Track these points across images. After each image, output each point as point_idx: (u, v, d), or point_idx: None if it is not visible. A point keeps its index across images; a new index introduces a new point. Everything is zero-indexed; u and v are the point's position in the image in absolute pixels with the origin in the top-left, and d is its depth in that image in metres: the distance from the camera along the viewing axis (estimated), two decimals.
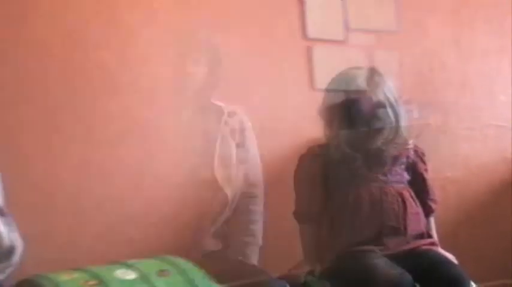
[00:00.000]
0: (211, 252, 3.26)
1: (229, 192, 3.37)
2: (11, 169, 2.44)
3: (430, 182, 3.14)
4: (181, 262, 2.46)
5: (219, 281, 2.30)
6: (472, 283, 2.58)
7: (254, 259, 3.38)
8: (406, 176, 3.07)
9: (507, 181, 3.48)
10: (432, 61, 3.64)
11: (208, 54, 3.47)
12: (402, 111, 3.01)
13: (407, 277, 2.56)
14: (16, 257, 2.35)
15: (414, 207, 2.98)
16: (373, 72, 3.08)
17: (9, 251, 2.34)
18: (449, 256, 2.85)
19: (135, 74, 3.26)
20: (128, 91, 3.21)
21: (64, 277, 2.25)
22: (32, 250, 2.44)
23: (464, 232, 3.36)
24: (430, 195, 3.15)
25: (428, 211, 3.10)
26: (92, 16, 3.20)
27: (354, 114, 2.90)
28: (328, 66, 4.01)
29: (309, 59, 3.94)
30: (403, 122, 2.98)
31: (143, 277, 2.28)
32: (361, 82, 2.99)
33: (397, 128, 2.95)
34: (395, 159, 3.00)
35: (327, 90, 3.13)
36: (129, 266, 2.33)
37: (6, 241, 2.30)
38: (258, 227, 3.43)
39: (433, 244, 2.94)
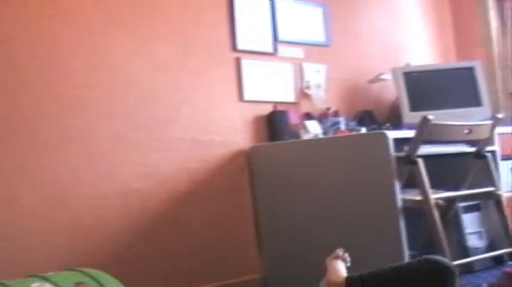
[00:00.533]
0: None
1: None
2: None
3: None
4: (99, 274, 2.42)
5: None
6: None
7: None
8: None
9: (189, 191, 3.59)
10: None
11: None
12: None
13: None
14: None
15: None
16: None
17: None
18: None
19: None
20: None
21: None
22: None
23: (147, 243, 3.44)
24: None
25: None
26: None
27: None
28: (257, 78, 4.04)
29: (238, 71, 3.95)
30: None
31: None
32: None
33: None
34: None
35: None
36: (45, 279, 2.28)
37: None
38: None
39: None
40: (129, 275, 2.61)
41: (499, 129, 3.82)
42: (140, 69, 3.53)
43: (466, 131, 3.39)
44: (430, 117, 3.21)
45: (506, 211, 3.54)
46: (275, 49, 4.16)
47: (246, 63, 4.00)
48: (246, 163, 3.88)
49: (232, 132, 3.90)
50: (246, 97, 3.99)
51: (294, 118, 4.08)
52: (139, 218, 3.46)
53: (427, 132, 3.23)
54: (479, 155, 3.60)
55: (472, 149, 3.62)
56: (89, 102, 3.33)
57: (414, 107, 4.11)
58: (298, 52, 4.30)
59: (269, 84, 4.10)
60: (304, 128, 3.96)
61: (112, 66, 3.43)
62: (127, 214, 3.42)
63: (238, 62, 3.97)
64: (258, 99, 4.04)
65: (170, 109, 3.63)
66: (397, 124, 4.10)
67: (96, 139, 3.34)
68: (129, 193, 3.42)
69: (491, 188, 3.54)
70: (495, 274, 3.38)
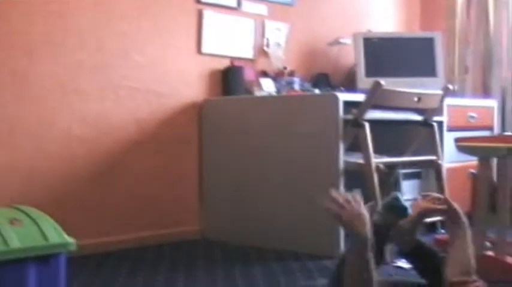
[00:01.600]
0: None
1: None
2: None
3: None
4: (36, 213, 2.41)
5: None
6: None
7: None
8: None
9: (136, 140, 3.60)
10: None
11: None
12: None
13: None
14: None
15: None
16: None
17: None
18: None
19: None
20: None
21: None
22: None
23: (89, 190, 3.45)
24: None
25: None
26: None
27: None
28: (217, 32, 4.02)
29: (199, 23, 3.92)
30: None
31: None
32: None
33: None
34: None
35: None
36: None
37: None
38: None
39: None
40: (70, 221, 2.61)
41: (448, 101, 3.87)
42: (85, 13, 3.46)
43: (416, 99, 3.43)
44: (382, 82, 3.24)
45: (445, 181, 3.60)
46: (239, 4, 4.14)
47: (208, 15, 3.97)
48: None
49: (186, 84, 3.88)
50: (204, 50, 3.97)
51: (249, 75, 4.07)
52: (83, 165, 3.45)
53: (377, 97, 3.26)
54: (426, 124, 3.64)
55: (420, 118, 3.66)
56: (28, 46, 3.26)
57: (370, 73, 4.13)
58: (261, 9, 4.28)
59: (228, 39, 4.08)
60: (259, 85, 3.96)
61: (50, 8, 3.34)
62: (70, 160, 3.40)
63: (200, 13, 3.94)
64: (216, 53, 4.02)
65: (117, 56, 3.59)
66: (352, 89, 4.12)
67: (34, 84, 3.28)
68: (71, 139, 3.40)
69: (433, 157, 3.60)
70: (425, 240, 3.43)
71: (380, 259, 1.98)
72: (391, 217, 2.01)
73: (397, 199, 2.07)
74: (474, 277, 1.88)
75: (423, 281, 2.13)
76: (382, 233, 1.98)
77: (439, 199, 2.12)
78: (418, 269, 2.17)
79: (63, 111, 3.38)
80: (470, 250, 1.95)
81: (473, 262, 1.93)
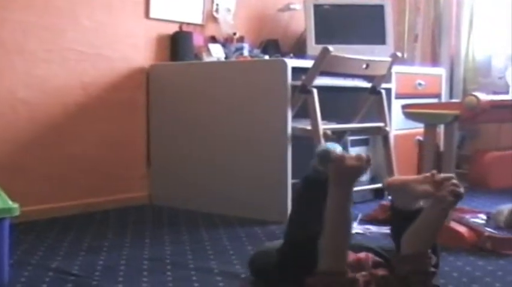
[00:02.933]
0: None
1: None
2: None
3: None
4: None
5: None
6: None
7: None
8: None
9: (83, 105, 3.60)
10: None
11: None
12: None
13: None
14: None
15: None
16: None
17: None
18: None
19: None
20: None
21: None
22: None
23: (34, 154, 3.44)
24: None
25: None
26: None
27: None
28: None
29: None
30: None
31: None
32: None
33: None
34: None
35: None
36: None
37: None
38: None
39: None
40: (14, 186, 2.56)
41: (397, 68, 3.89)
42: None
43: (364, 66, 3.43)
44: (330, 48, 3.23)
45: (392, 148, 3.64)
46: None
47: None
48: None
49: (134, 49, 3.81)
50: (152, 14, 3.89)
51: (198, 40, 4.02)
52: (27, 129, 3.37)
53: (325, 63, 3.26)
54: (374, 91, 3.66)
55: (368, 85, 3.68)
56: None
57: (320, 40, 4.11)
58: None
59: (177, 4, 4.01)
60: (207, 51, 3.92)
61: None
62: (14, 123, 3.33)
63: None
64: (164, 17, 3.95)
65: (65, 19, 3.50)
66: (302, 55, 4.11)
67: None
68: (15, 102, 3.32)
69: (380, 124, 3.62)
70: (372, 206, 3.48)
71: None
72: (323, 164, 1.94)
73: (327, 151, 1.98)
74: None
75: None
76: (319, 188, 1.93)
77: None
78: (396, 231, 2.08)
79: (7, 73, 3.30)
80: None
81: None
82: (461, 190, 1.83)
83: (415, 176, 2.03)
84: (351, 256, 1.89)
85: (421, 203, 2.02)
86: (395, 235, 2.01)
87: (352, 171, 1.78)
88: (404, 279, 1.81)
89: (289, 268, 1.96)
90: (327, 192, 1.86)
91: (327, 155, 1.88)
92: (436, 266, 1.99)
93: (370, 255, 1.96)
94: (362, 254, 1.96)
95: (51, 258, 2.62)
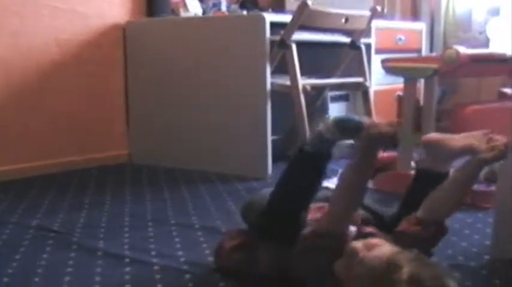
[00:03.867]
0: None
1: None
2: None
3: None
4: None
5: None
6: None
7: None
8: None
9: (58, 63, 3.56)
10: None
11: None
12: None
13: None
14: None
15: None
16: None
17: None
18: None
19: None
20: None
21: None
22: None
23: (9, 115, 3.41)
24: None
25: None
26: None
27: None
28: None
29: None
30: None
31: None
32: None
33: None
34: None
35: None
36: None
37: None
38: None
39: None
40: None
41: (377, 23, 3.87)
42: None
43: (343, 20, 3.41)
44: (309, 2, 3.20)
45: (372, 104, 3.64)
46: None
47: None
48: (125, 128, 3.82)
49: (110, 5, 3.73)
50: None
51: None
52: (2, 87, 3.31)
53: (304, 18, 3.23)
54: (354, 46, 3.64)
55: (348, 40, 3.66)
56: None
57: None
58: None
59: None
60: (184, 6, 3.85)
61: None
62: None
63: None
64: None
65: None
66: (280, 10, 4.08)
67: None
68: None
69: (360, 79, 3.61)
70: None
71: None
72: (345, 135, 1.88)
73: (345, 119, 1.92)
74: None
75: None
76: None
77: None
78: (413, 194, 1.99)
79: None
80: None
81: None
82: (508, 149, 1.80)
83: (453, 135, 1.99)
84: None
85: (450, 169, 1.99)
86: (410, 197, 1.97)
87: (386, 137, 1.73)
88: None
89: (268, 233, 1.94)
90: (321, 168, 1.84)
91: (356, 123, 1.82)
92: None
93: (361, 212, 1.93)
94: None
95: (31, 216, 2.61)
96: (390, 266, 1.41)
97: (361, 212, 1.89)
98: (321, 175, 1.85)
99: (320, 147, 1.83)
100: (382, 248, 1.52)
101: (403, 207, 1.93)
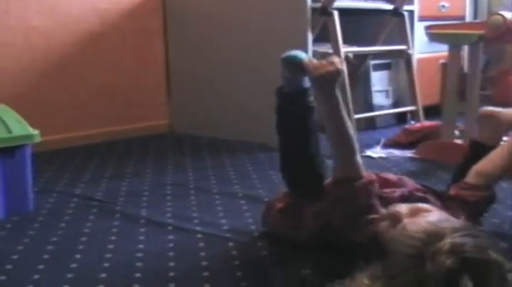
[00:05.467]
0: None
1: None
2: None
3: None
4: None
5: None
6: None
7: None
8: None
9: (98, 33, 3.53)
10: None
11: None
12: None
13: None
14: None
15: None
16: None
17: None
18: None
19: None
20: None
21: None
22: None
23: (51, 84, 3.39)
24: None
25: None
26: None
27: None
28: None
29: None
30: None
31: None
32: None
33: None
34: None
35: None
36: None
37: None
38: None
39: None
40: (34, 116, 2.54)
41: None
42: None
43: None
44: None
45: (415, 72, 3.58)
46: None
47: None
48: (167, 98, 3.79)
49: None
50: None
51: None
52: (43, 58, 3.33)
53: None
54: (396, 13, 3.58)
55: (390, 7, 3.60)
56: None
57: None
58: None
59: None
60: None
61: None
62: (29, 52, 3.29)
63: None
64: None
65: None
66: None
67: None
68: (29, 31, 3.27)
69: (403, 47, 3.56)
70: (395, 131, 3.45)
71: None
72: (293, 73, 1.85)
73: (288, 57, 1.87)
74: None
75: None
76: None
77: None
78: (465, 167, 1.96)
79: (16, 1, 3.23)
80: None
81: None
82: None
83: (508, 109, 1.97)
84: (376, 175, 1.83)
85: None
86: (462, 169, 1.95)
87: (329, 77, 1.70)
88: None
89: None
90: (302, 104, 1.86)
91: (292, 59, 1.82)
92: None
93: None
94: (393, 176, 1.88)
95: (75, 185, 2.64)
96: (431, 236, 1.36)
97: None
98: (306, 111, 1.87)
99: (290, 86, 1.90)
100: (428, 215, 1.49)
101: (456, 180, 1.91)
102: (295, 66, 1.80)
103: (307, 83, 1.86)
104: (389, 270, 1.39)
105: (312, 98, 1.87)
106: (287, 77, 1.89)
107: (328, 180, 1.76)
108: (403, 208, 1.54)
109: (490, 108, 1.99)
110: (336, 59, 1.69)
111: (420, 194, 1.75)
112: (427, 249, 1.34)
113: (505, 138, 1.89)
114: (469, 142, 2.04)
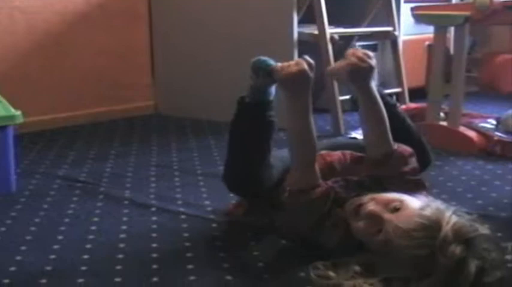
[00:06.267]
0: None
1: None
2: None
3: None
4: None
5: None
6: None
7: None
8: None
9: (82, 13, 3.50)
10: None
11: None
12: None
13: None
14: None
15: None
16: None
17: None
18: None
19: None
20: None
21: None
22: None
23: (35, 64, 3.39)
24: None
25: None
26: None
27: None
28: None
29: None
30: None
31: None
32: None
33: None
34: None
35: None
36: None
37: None
38: None
39: None
40: (17, 97, 2.52)
41: None
42: None
43: None
44: None
45: (401, 53, 3.57)
46: None
47: None
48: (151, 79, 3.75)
49: None
50: None
51: None
52: (26, 39, 3.30)
53: None
54: None
55: None
56: None
57: None
58: None
59: None
60: None
61: None
62: (13, 32, 3.25)
63: None
64: None
65: None
66: None
67: None
68: (13, 11, 3.23)
69: (389, 28, 3.55)
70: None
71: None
72: (261, 79, 1.79)
73: (259, 60, 1.82)
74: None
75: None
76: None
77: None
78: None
79: None
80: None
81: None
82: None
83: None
84: (322, 161, 1.79)
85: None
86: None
87: (296, 78, 1.68)
88: (380, 181, 1.72)
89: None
90: (262, 117, 1.81)
91: (265, 65, 1.77)
92: (426, 163, 1.96)
93: (348, 152, 1.88)
94: (335, 155, 1.84)
95: (58, 166, 2.62)
96: (431, 229, 1.38)
97: (348, 153, 1.84)
98: (265, 124, 1.83)
99: (253, 96, 1.84)
100: (403, 206, 1.48)
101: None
102: (263, 71, 1.77)
103: (271, 95, 1.84)
104: (397, 271, 1.41)
105: (272, 113, 1.84)
106: (253, 83, 1.83)
107: (284, 190, 1.69)
108: (371, 205, 1.53)
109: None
110: (301, 60, 1.68)
111: (355, 178, 1.72)
112: (433, 243, 1.35)
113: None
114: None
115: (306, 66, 1.66)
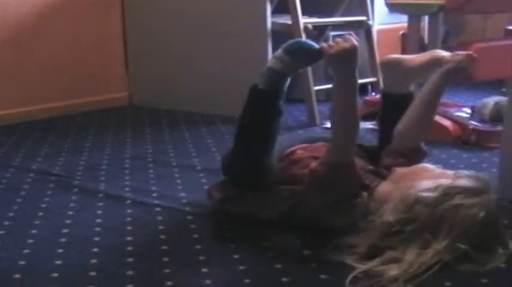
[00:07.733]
0: None
1: None
2: None
3: None
4: None
5: None
6: None
7: None
8: None
9: (53, 3, 3.40)
10: None
11: None
12: None
13: None
14: None
15: None
16: None
17: None
18: None
19: None
20: None
21: None
22: None
23: (6, 56, 3.37)
24: None
25: None
26: None
27: None
28: None
29: None
30: None
31: None
32: None
33: None
34: None
35: None
36: None
37: None
38: None
39: None
40: None
41: None
42: None
43: None
44: None
45: (375, 43, 3.58)
46: None
47: None
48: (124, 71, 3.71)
49: None
50: None
51: None
52: None
53: None
54: None
55: None
56: None
57: None
58: None
59: None
60: None
61: None
62: None
63: None
64: None
65: None
66: None
67: None
68: None
69: (363, 18, 3.55)
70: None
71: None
72: (297, 61, 1.79)
73: (302, 41, 1.86)
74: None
75: None
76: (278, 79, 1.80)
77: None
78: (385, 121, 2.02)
79: None
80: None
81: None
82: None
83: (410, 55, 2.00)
84: (306, 153, 1.85)
85: (412, 87, 1.99)
86: (383, 125, 1.98)
87: (349, 52, 1.69)
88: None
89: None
90: (274, 106, 1.80)
91: (303, 45, 1.79)
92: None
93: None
94: (319, 148, 1.88)
95: (32, 160, 2.60)
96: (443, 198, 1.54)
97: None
98: (276, 114, 1.82)
99: (270, 83, 1.80)
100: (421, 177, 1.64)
101: (381, 135, 1.99)
102: (308, 51, 1.77)
103: (287, 84, 1.82)
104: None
105: (282, 102, 1.82)
106: (282, 67, 1.79)
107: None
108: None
109: (393, 55, 2.04)
110: (350, 37, 1.70)
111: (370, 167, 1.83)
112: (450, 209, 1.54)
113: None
114: (381, 96, 2.06)
115: (356, 42, 1.69)
